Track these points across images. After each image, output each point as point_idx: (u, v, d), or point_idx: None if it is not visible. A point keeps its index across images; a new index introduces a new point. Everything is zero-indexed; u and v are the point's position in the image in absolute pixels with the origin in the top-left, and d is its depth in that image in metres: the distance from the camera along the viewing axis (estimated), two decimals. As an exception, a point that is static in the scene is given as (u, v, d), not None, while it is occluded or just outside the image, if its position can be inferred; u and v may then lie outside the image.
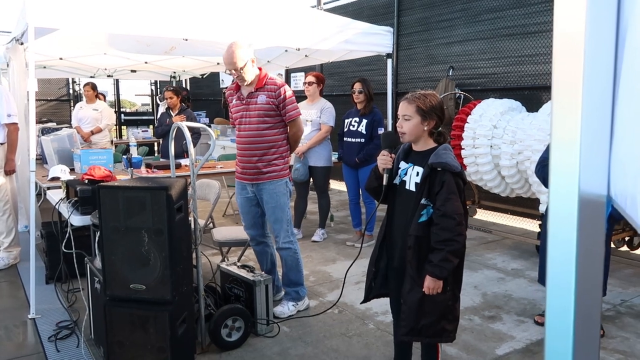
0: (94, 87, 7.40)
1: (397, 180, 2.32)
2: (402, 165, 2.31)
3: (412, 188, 2.24)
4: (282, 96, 3.38)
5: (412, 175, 2.24)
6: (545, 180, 3.18)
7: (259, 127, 3.39)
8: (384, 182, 2.30)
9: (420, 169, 2.22)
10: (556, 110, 0.52)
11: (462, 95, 5.97)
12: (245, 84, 3.40)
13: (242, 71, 3.30)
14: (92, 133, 7.16)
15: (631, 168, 0.49)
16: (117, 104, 13.10)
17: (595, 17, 0.51)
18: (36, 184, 4.11)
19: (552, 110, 0.54)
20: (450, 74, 6.34)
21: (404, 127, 2.23)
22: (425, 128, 2.23)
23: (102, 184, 2.78)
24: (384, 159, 2.28)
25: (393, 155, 2.30)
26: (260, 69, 3.45)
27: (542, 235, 3.75)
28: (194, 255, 3.01)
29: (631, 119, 0.49)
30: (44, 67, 7.10)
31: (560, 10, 0.51)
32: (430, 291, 2.15)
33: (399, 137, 2.28)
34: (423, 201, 2.16)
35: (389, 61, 5.71)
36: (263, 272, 3.52)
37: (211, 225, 4.26)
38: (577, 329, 0.55)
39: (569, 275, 0.54)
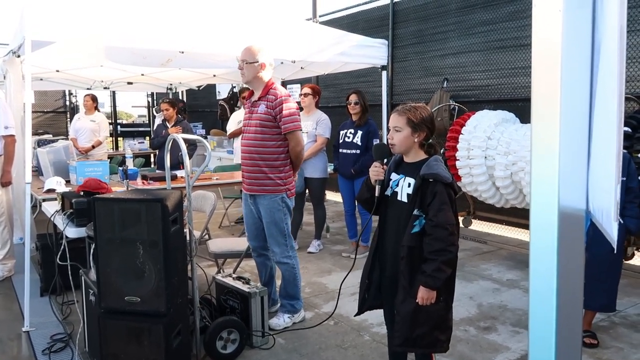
0: (94, 98, 7.42)
1: (388, 192, 2.34)
2: (394, 176, 2.33)
3: (404, 199, 2.26)
4: (279, 107, 3.31)
5: (404, 187, 2.26)
6: None
7: (256, 137, 3.38)
8: (376, 193, 2.31)
9: (411, 180, 2.24)
10: (536, 128, 0.54)
11: (457, 107, 6.02)
12: (243, 80, 3.43)
13: (244, 64, 3.33)
14: (93, 147, 7.20)
15: (605, 183, 0.50)
16: (113, 116, 13.11)
17: (572, 40, 0.53)
18: (32, 195, 4.10)
19: (531, 127, 0.56)
20: (445, 85, 6.39)
21: (395, 138, 2.26)
22: (416, 140, 2.26)
23: (97, 195, 2.79)
24: (375, 170, 2.30)
25: (385, 166, 2.32)
26: (270, 79, 3.44)
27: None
28: (189, 267, 3.01)
29: (604, 137, 0.51)
30: (41, 79, 7.11)
31: (537, 33, 0.53)
32: (424, 302, 2.16)
33: (390, 148, 2.30)
34: (415, 212, 2.17)
35: (384, 73, 5.76)
36: (259, 284, 3.52)
37: (207, 236, 4.27)
38: (559, 335, 0.56)
39: (550, 286, 0.56)
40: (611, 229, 0.51)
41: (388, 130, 2.33)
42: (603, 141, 0.50)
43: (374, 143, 4.95)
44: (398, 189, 2.29)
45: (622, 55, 0.46)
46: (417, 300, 2.16)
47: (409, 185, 2.24)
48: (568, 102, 0.55)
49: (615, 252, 3.18)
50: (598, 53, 0.53)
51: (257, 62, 3.35)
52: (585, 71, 0.54)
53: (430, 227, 2.14)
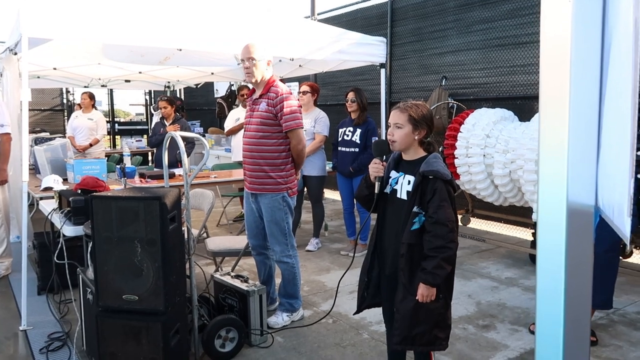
0: (91, 96, 7.40)
1: (387, 189, 2.33)
2: (393, 174, 2.32)
3: (404, 196, 2.25)
4: (279, 105, 3.27)
5: (404, 184, 2.26)
6: None
7: (256, 135, 3.35)
8: (376, 190, 2.30)
9: (411, 178, 2.23)
10: (544, 123, 0.53)
11: (455, 105, 6.01)
12: (253, 80, 3.35)
13: (253, 63, 3.27)
14: (91, 145, 7.18)
15: (617, 179, 0.49)
16: (111, 114, 13.08)
17: (581, 34, 0.51)
18: (29, 194, 4.08)
19: (539, 123, 0.54)
20: (443, 83, 6.38)
21: (395, 135, 2.24)
22: (416, 137, 2.25)
23: (95, 194, 2.77)
24: (375, 167, 2.28)
25: (384, 163, 2.31)
26: (272, 76, 3.40)
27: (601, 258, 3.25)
28: (187, 265, 3.00)
29: (616, 131, 0.49)
30: (38, 77, 7.09)
31: (546, 27, 0.52)
32: (424, 299, 2.15)
33: (390, 145, 2.29)
34: (415, 209, 2.16)
35: (383, 71, 5.75)
36: (257, 282, 3.50)
37: (205, 235, 4.25)
38: (567, 337, 0.55)
39: (558, 285, 0.55)
40: (623, 225, 0.49)
41: (387, 127, 2.32)
42: (615, 136, 0.48)
43: (373, 140, 4.94)
44: (397, 187, 2.28)
45: (637, 48, 0.45)
46: (417, 298, 2.16)
47: (409, 182, 2.23)
48: (577, 95, 0.53)
49: (613, 251, 3.18)
50: (609, 45, 0.52)
51: (264, 59, 3.32)
52: (595, 64, 0.53)
53: (430, 224, 2.13)
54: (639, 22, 0.47)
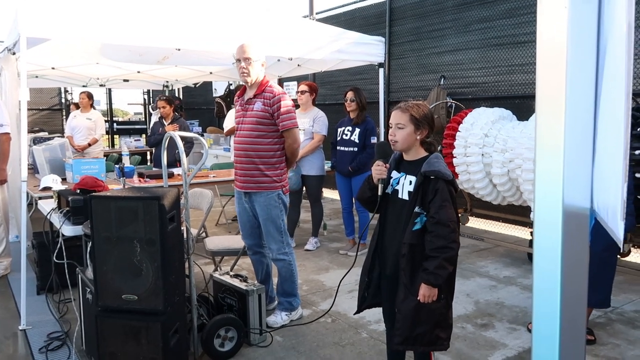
0: (89, 95, 7.40)
1: (389, 190, 2.33)
2: (394, 174, 2.33)
3: (405, 197, 2.25)
4: (276, 105, 3.30)
5: (405, 184, 2.26)
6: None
7: (252, 135, 3.37)
8: (379, 193, 2.30)
9: (412, 178, 2.23)
10: (540, 125, 0.54)
11: (454, 104, 6.02)
12: (249, 80, 3.34)
13: (249, 62, 3.27)
14: (89, 145, 7.18)
15: (612, 181, 0.50)
16: (109, 113, 13.08)
17: (577, 36, 0.52)
18: (27, 193, 4.08)
19: (536, 125, 0.55)
20: (442, 83, 6.39)
21: (397, 135, 2.24)
22: (418, 137, 2.25)
23: (94, 193, 2.78)
24: (378, 169, 2.28)
25: (387, 165, 2.31)
26: (265, 76, 3.42)
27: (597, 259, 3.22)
28: (186, 265, 3.00)
29: (610, 134, 0.50)
30: (36, 77, 7.09)
31: (542, 30, 0.53)
32: (426, 299, 2.15)
33: (392, 146, 2.29)
34: (417, 209, 2.17)
35: (381, 70, 5.75)
36: (256, 282, 3.51)
37: (204, 234, 4.26)
38: (563, 336, 0.56)
39: (554, 285, 0.55)
40: (617, 228, 0.50)
41: (386, 127, 2.32)
42: (609, 139, 0.49)
43: (374, 141, 4.95)
44: (399, 187, 2.29)
45: (630, 52, 0.46)
46: (418, 298, 2.16)
47: (410, 182, 2.24)
48: (573, 99, 0.54)
49: (610, 250, 3.19)
50: (604, 50, 0.52)
51: (260, 60, 3.34)
52: (590, 68, 0.54)
53: (432, 225, 2.13)
54: (632, 26, 0.48)
